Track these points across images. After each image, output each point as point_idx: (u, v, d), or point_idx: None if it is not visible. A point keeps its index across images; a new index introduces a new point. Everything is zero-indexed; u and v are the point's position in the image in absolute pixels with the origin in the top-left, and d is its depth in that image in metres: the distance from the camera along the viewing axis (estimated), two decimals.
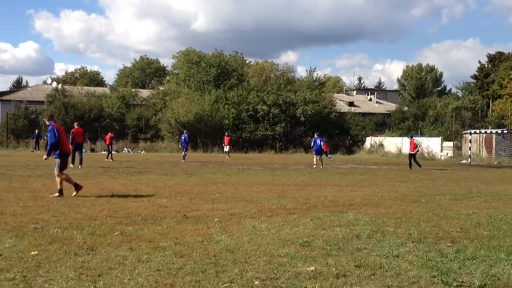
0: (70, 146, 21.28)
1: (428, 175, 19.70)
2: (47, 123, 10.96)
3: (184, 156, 27.24)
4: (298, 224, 7.64)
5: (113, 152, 27.23)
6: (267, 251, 5.79)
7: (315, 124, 46.34)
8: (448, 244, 6.35)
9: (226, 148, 33.24)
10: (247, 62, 69.43)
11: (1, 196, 10.23)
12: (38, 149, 38.10)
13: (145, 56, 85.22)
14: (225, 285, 4.49)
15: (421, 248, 6.08)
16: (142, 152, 40.92)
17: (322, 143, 24.04)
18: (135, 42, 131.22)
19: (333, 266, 5.18)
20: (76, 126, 22.15)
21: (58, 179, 10.56)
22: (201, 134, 43.92)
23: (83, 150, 35.54)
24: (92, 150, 40.49)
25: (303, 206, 9.76)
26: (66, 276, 4.61)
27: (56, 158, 10.56)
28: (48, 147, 10.60)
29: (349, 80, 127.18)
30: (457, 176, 19.90)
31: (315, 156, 23.72)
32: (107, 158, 26.42)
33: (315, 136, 24.40)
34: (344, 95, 74.06)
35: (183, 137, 28.30)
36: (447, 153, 37.09)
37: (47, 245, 5.81)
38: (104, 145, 33.75)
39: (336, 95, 63.85)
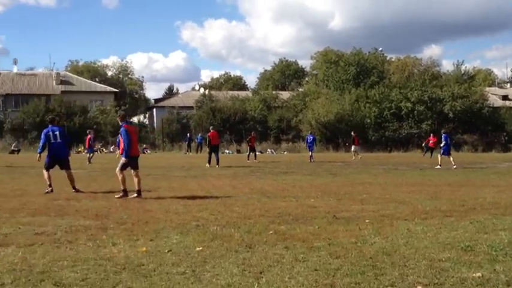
0: (207, 147, 22.75)
1: None
2: (120, 123, 11.23)
3: (311, 157, 26.99)
4: (456, 227, 7.22)
5: (251, 154, 27.46)
6: (426, 254, 5.55)
7: (465, 120, 43.66)
8: None
9: (354, 148, 32.18)
10: (387, 58, 67.55)
11: (163, 195, 11.09)
12: (190, 151, 40.76)
13: (284, 58, 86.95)
14: None
15: None
16: (285, 153, 41.74)
17: (449, 141, 22.19)
18: (274, 45, 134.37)
19: (501, 272, 4.80)
20: (212, 130, 23.74)
21: (120, 177, 10.73)
22: (342, 134, 43.62)
23: (229, 151, 37.48)
24: (238, 151, 42.27)
25: (460, 208, 9.20)
26: (230, 272, 4.85)
27: (123, 157, 10.76)
28: (124, 149, 10.65)
29: (501, 72, 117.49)
30: None
31: (440, 156, 21.82)
32: (255, 159, 26.74)
33: (443, 134, 22.58)
34: (497, 88, 68.59)
35: (309, 138, 28.15)
36: None
37: (210, 242, 6.17)
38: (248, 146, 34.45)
39: (487, 88, 59.39)
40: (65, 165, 11.85)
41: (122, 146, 10.89)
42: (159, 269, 4.93)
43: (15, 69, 60.95)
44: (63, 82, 57.71)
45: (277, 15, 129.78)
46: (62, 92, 54.56)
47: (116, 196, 10.52)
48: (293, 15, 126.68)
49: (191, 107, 54.14)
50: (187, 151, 41.37)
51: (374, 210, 8.89)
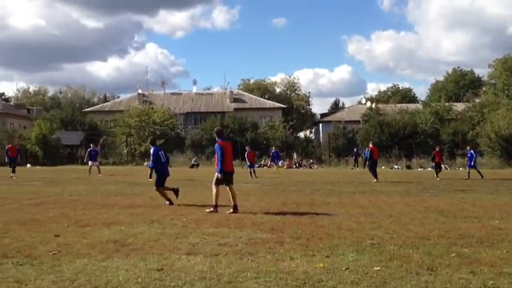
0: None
1: None
2: (216, 139, 11.27)
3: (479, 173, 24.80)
4: None
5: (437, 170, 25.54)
6: None
7: None
8: None
9: None
10: None
11: (334, 211, 11.10)
12: (357, 166, 40.29)
13: (458, 67, 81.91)
14: None
15: None
16: (460, 169, 39.08)
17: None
18: (445, 54, 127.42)
19: None
20: (371, 145, 23.92)
21: (213, 192, 11.03)
22: None
23: (397, 167, 36.38)
24: (408, 167, 40.72)
25: None
26: None
27: (217, 172, 10.96)
28: (218, 165, 10.94)
29: None
30: None
31: None
32: (437, 176, 24.33)
33: None
34: None
35: (470, 153, 25.96)
36: None
37: (387, 262, 6.00)
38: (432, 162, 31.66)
39: None
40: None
41: (216, 161, 11.16)
42: (339, 286, 4.94)
43: (194, 89, 66.56)
44: (236, 100, 61.40)
45: (450, 23, 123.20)
46: (235, 109, 58.06)
47: (207, 210, 10.84)
48: (468, 22, 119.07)
49: (357, 121, 53.65)
50: (354, 166, 40.97)
51: None
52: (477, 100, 58.51)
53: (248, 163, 27.46)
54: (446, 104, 55.15)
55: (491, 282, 5.09)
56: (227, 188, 11.07)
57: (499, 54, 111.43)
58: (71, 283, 5.00)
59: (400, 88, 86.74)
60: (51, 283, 4.98)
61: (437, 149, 26.37)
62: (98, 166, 28.74)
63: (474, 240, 7.50)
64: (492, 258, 6.20)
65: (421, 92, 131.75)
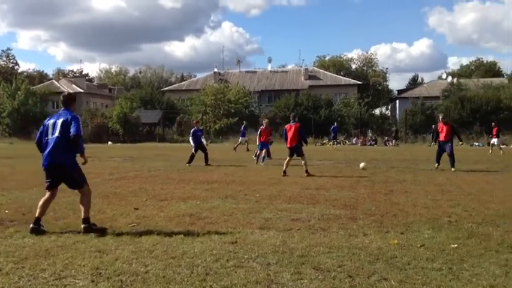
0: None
1: None
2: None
3: None
4: None
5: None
6: None
7: None
8: None
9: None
10: None
11: (409, 188, 10.83)
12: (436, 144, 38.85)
13: None
14: None
15: None
16: None
17: None
18: None
19: None
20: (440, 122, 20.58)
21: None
22: None
23: (478, 143, 34.63)
24: (489, 144, 38.76)
25: None
26: (492, 272, 4.50)
27: None
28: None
29: None
30: None
31: None
32: None
33: None
34: None
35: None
36: None
37: (465, 239, 5.81)
38: None
39: None
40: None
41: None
42: (413, 262, 4.84)
43: (269, 67, 66.64)
44: (311, 77, 60.90)
45: None
46: (310, 86, 57.62)
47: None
48: None
49: (437, 97, 51.67)
50: (433, 143, 39.55)
51: None
52: None
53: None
54: None
55: None
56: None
57: None
58: (149, 253, 5.23)
59: (484, 62, 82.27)
60: (130, 253, 5.23)
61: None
62: None
63: None
64: None
65: (507, 65, 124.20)
